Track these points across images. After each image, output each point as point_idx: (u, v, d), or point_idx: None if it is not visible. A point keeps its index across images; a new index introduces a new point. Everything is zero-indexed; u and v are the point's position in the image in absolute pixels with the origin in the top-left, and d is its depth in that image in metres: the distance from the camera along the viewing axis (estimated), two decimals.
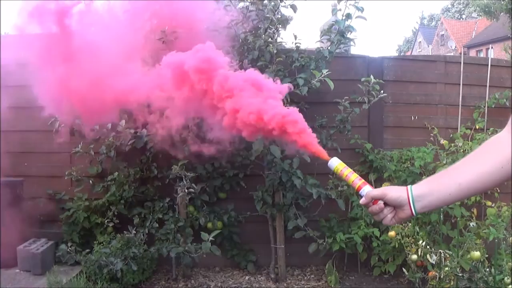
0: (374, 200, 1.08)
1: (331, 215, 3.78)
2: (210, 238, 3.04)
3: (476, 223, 3.23)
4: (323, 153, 1.25)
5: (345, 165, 1.17)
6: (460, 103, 4.08)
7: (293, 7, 3.37)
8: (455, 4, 49.13)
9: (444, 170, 1.08)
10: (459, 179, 1.02)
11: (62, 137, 3.39)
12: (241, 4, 3.40)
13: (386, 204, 1.08)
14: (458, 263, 2.91)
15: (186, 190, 3.25)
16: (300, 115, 1.39)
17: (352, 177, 1.15)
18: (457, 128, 4.07)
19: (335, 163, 1.17)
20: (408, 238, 3.15)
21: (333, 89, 3.29)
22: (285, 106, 1.49)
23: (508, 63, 4.35)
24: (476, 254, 2.83)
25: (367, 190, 1.11)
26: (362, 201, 1.11)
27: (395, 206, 1.07)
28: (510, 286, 2.64)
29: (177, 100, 1.95)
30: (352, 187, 1.16)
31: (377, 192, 1.08)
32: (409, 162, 3.67)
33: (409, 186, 1.06)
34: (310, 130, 1.34)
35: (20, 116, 3.87)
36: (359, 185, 1.13)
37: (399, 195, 1.05)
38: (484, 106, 4.07)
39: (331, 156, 1.23)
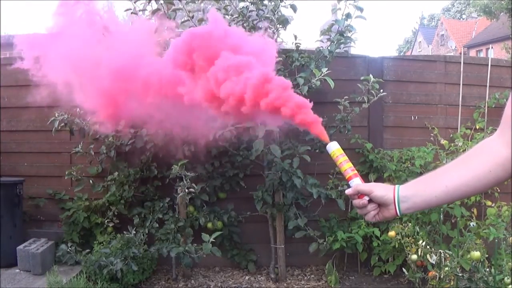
0: (360, 194, 1.08)
1: (331, 215, 3.78)
2: (211, 240, 3.04)
3: (476, 223, 3.23)
4: (325, 135, 1.24)
5: (342, 151, 1.16)
6: (460, 103, 4.08)
7: (293, 7, 3.36)
8: (455, 4, 49.09)
9: (433, 172, 1.07)
10: (446, 181, 1.01)
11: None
12: (242, 4, 3.39)
13: (371, 200, 1.07)
14: (458, 263, 2.90)
15: (186, 190, 3.25)
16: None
17: (346, 165, 1.14)
18: (457, 128, 4.06)
19: (334, 147, 1.16)
20: (408, 238, 3.15)
21: (333, 89, 3.29)
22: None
23: (508, 63, 4.35)
24: (476, 254, 2.82)
25: (356, 182, 1.11)
26: (347, 191, 1.11)
27: (380, 204, 1.07)
28: (510, 286, 2.63)
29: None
30: (344, 175, 1.15)
31: (365, 187, 1.08)
32: (409, 162, 3.66)
33: (396, 186, 1.05)
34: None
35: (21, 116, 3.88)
36: (350, 175, 1.13)
37: (385, 193, 1.05)
38: (484, 106, 4.06)
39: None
